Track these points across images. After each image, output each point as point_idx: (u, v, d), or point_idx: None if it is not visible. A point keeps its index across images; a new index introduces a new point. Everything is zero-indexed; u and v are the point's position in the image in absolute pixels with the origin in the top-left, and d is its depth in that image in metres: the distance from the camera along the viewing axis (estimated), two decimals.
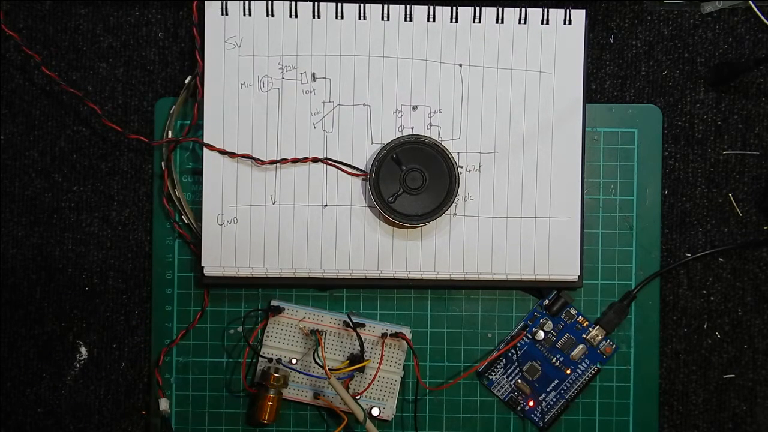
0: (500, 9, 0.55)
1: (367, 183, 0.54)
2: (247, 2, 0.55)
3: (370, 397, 0.56)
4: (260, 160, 0.55)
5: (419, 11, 0.55)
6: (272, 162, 0.55)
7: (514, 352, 0.57)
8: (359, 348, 0.56)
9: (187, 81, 0.57)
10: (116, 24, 0.58)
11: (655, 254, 0.58)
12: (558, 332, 0.57)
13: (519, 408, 0.57)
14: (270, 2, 0.55)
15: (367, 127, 0.56)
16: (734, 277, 0.58)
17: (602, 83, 0.58)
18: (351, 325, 0.55)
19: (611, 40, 0.58)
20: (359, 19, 0.55)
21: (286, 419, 0.57)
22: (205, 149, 0.55)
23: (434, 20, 0.55)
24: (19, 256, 0.58)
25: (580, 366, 0.57)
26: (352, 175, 0.55)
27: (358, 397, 0.55)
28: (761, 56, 0.58)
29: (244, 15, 0.55)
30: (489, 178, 0.56)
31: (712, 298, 0.58)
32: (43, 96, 0.58)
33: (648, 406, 0.57)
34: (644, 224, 0.58)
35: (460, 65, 0.56)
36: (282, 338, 0.56)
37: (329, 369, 0.53)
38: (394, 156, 0.54)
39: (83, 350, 0.58)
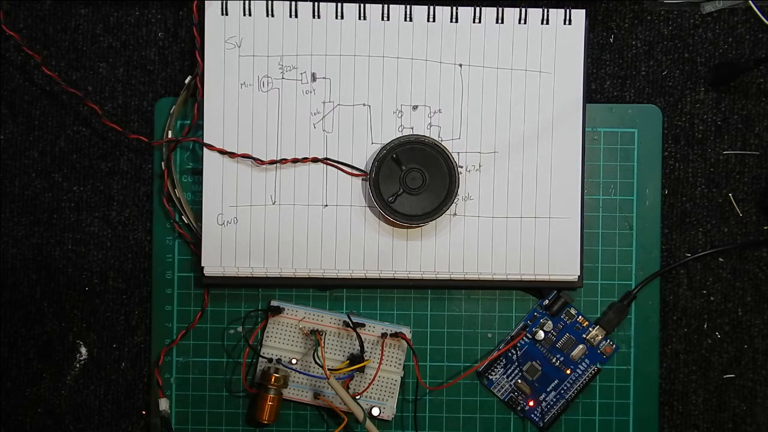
0: (500, 9, 0.55)
1: (367, 183, 0.54)
2: (247, 2, 0.55)
3: (370, 397, 0.56)
4: (260, 160, 0.55)
5: (419, 11, 0.55)
6: (272, 162, 0.55)
7: (514, 352, 0.57)
8: (359, 348, 0.56)
9: (187, 81, 0.57)
10: (116, 24, 0.58)
11: (655, 254, 0.58)
12: (558, 332, 0.57)
13: (519, 408, 0.57)
14: (270, 2, 0.55)
15: (367, 127, 0.56)
16: (734, 277, 0.58)
17: (602, 83, 0.58)
18: (351, 325, 0.55)
19: (611, 40, 0.58)
20: (359, 19, 0.55)
21: (286, 419, 0.57)
22: (205, 149, 0.55)
23: (434, 20, 0.55)
24: (19, 256, 0.58)
25: (580, 366, 0.57)
26: (352, 175, 0.55)
27: (358, 397, 0.55)
28: (761, 56, 0.58)
29: (244, 15, 0.55)
30: (489, 178, 0.56)
31: (712, 298, 0.58)
32: (43, 96, 0.58)
33: (648, 406, 0.57)
34: (644, 224, 0.58)
35: (460, 65, 0.56)
36: (282, 338, 0.56)
37: (329, 369, 0.53)
38: (394, 156, 0.54)
39: (83, 350, 0.58)
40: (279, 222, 0.55)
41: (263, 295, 0.57)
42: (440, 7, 0.55)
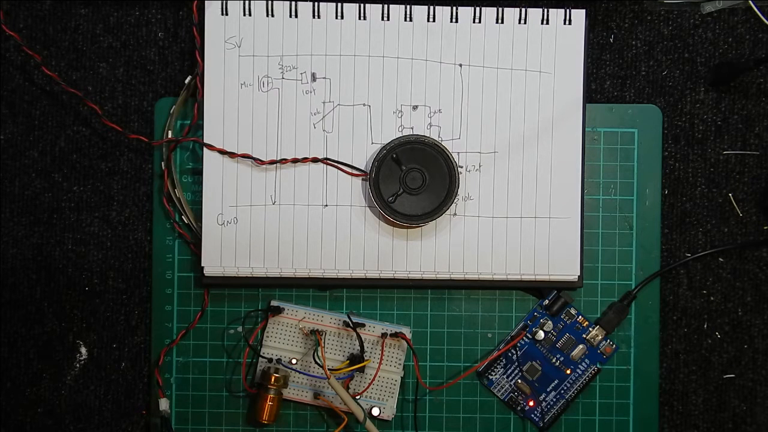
0: (500, 9, 0.55)
1: (367, 183, 0.54)
2: (247, 2, 0.55)
3: (370, 397, 0.56)
4: (260, 160, 0.55)
5: (419, 11, 0.55)
6: (272, 162, 0.55)
7: (514, 352, 0.57)
8: (359, 348, 0.56)
9: (187, 81, 0.57)
10: (116, 24, 0.58)
11: (655, 254, 0.58)
12: (558, 332, 0.57)
13: (519, 408, 0.57)
14: (270, 2, 0.55)
15: (367, 127, 0.56)
16: (734, 277, 0.58)
17: (602, 83, 0.58)
18: (351, 325, 0.55)
19: (611, 40, 0.58)
20: (359, 19, 0.55)
21: (286, 419, 0.57)
22: (205, 149, 0.55)
23: (434, 20, 0.55)
24: (19, 256, 0.58)
25: (580, 366, 0.57)
26: (352, 175, 0.55)
27: (358, 397, 0.55)
28: (761, 56, 0.58)
29: (244, 15, 0.55)
30: (489, 178, 0.56)
31: (712, 298, 0.58)
32: (43, 96, 0.58)
33: (648, 406, 0.57)
34: (644, 224, 0.58)
35: (460, 65, 0.56)
36: (282, 338, 0.56)
37: (329, 369, 0.53)
38: (394, 156, 0.54)
39: (83, 350, 0.58)
40: (279, 222, 0.55)
41: (263, 295, 0.57)
42: (440, 7, 0.55)
